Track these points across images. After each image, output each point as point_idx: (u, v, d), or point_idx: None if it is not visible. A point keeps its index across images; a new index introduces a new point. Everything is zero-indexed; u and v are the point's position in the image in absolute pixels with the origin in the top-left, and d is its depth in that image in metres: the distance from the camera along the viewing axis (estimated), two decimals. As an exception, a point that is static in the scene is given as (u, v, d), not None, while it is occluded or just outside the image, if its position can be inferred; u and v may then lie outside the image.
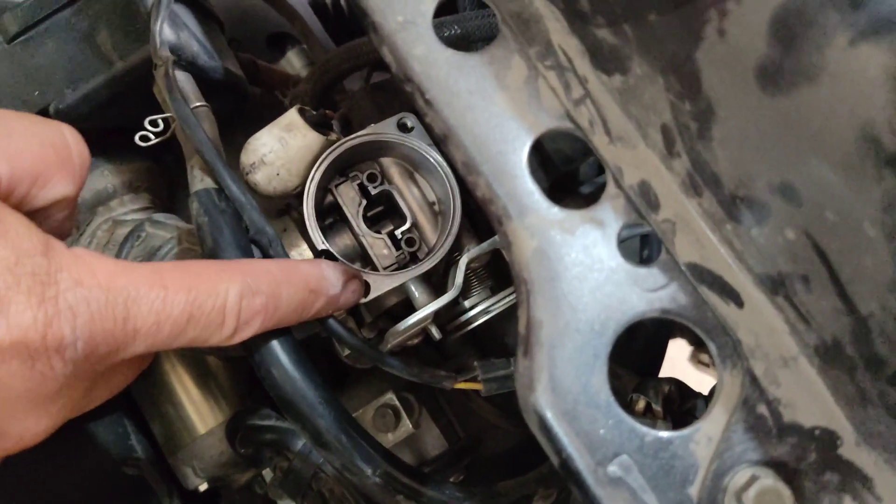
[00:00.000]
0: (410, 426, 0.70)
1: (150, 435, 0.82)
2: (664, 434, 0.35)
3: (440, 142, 0.39)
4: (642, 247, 0.71)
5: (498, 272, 0.68)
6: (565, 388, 0.36)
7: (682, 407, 0.59)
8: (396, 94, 0.70)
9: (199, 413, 0.79)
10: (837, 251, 0.30)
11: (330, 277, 0.52)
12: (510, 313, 0.66)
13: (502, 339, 0.76)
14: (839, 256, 0.30)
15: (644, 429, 0.35)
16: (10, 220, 0.35)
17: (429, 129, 0.39)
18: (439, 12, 0.41)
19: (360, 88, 0.70)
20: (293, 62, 1.01)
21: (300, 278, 0.49)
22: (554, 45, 0.39)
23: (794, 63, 0.27)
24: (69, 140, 0.41)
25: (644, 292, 0.37)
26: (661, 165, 0.38)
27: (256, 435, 0.69)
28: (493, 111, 0.39)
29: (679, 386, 0.59)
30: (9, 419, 0.35)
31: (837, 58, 0.26)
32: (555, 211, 0.38)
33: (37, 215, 0.40)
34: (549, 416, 0.35)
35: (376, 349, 0.58)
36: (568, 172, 0.73)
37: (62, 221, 0.43)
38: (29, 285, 0.33)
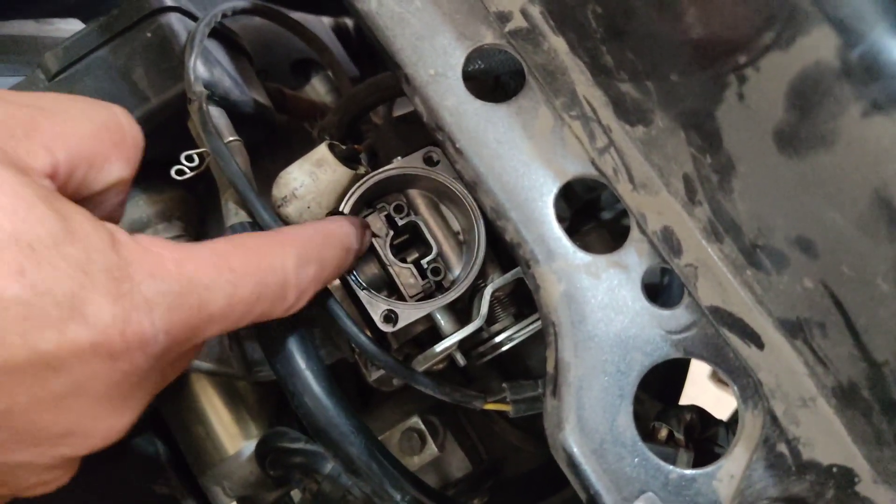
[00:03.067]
0: (436, 449, 0.72)
1: (181, 454, 0.85)
2: (688, 472, 0.37)
3: (470, 188, 0.41)
4: (662, 273, 0.73)
5: (521, 299, 0.70)
6: (593, 428, 0.37)
7: (703, 434, 0.61)
8: (421, 125, 0.72)
9: (229, 434, 0.81)
10: (853, 302, 0.32)
11: (353, 233, 0.53)
12: (533, 337, 0.68)
13: (525, 362, 0.78)
14: (855, 307, 0.32)
15: (669, 467, 0.37)
16: (76, 216, 0.33)
17: (459, 175, 0.41)
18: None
19: (386, 121, 0.73)
20: (318, 88, 1.04)
21: (337, 240, 0.50)
22: (579, 96, 0.41)
23: (811, 129, 0.29)
24: (123, 121, 0.40)
25: (668, 334, 0.39)
26: (682, 212, 0.39)
27: (286, 457, 0.71)
28: (520, 159, 0.41)
29: (700, 413, 0.60)
30: (93, 419, 0.35)
31: (852, 127, 0.28)
32: (581, 255, 0.40)
33: (92, 200, 0.40)
34: (578, 453, 0.37)
35: (410, 369, 0.60)
36: (590, 200, 0.75)
37: (116, 206, 0.43)
38: (103, 282, 0.32)
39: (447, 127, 0.41)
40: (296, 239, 0.45)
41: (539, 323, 0.67)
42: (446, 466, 0.76)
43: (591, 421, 0.37)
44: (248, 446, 0.80)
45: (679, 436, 0.57)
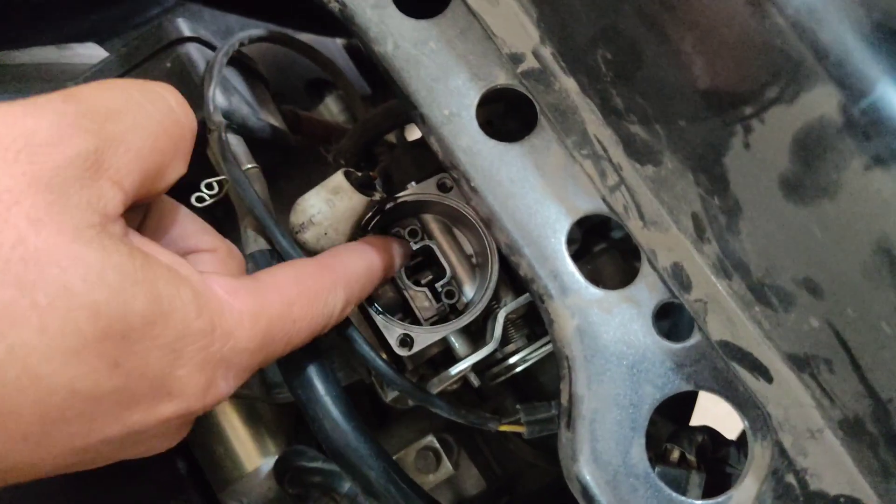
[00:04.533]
0: (451, 468, 0.73)
1: (200, 471, 0.86)
2: (699, 503, 0.38)
3: (484, 224, 0.43)
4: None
5: (533, 320, 0.71)
6: (606, 460, 0.39)
7: (714, 455, 0.62)
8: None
9: (247, 451, 0.83)
10: (858, 343, 0.33)
11: (397, 256, 0.58)
12: (546, 356, 0.70)
13: (538, 380, 0.79)
14: (860, 347, 0.33)
15: (680, 498, 0.38)
16: (161, 283, 0.32)
17: (476, 212, 0.42)
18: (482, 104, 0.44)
19: (400, 145, 0.74)
20: (331, 108, 1.06)
21: (377, 272, 0.54)
22: (590, 135, 0.43)
23: (814, 180, 0.30)
24: (178, 113, 0.37)
25: (679, 367, 0.40)
26: (692, 249, 0.41)
27: (304, 476, 0.72)
28: (533, 197, 0.42)
29: (712, 434, 0.61)
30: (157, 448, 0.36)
31: (854, 179, 0.29)
32: (593, 291, 0.41)
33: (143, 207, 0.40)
34: (592, 485, 0.38)
35: (426, 391, 0.62)
36: (600, 221, 0.76)
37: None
38: (191, 357, 0.32)
39: (462, 166, 0.42)
40: (347, 278, 0.48)
41: (551, 345, 0.68)
42: (461, 484, 0.77)
43: (604, 453, 0.38)
44: (266, 464, 0.82)
45: (691, 457, 0.58)
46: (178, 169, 0.37)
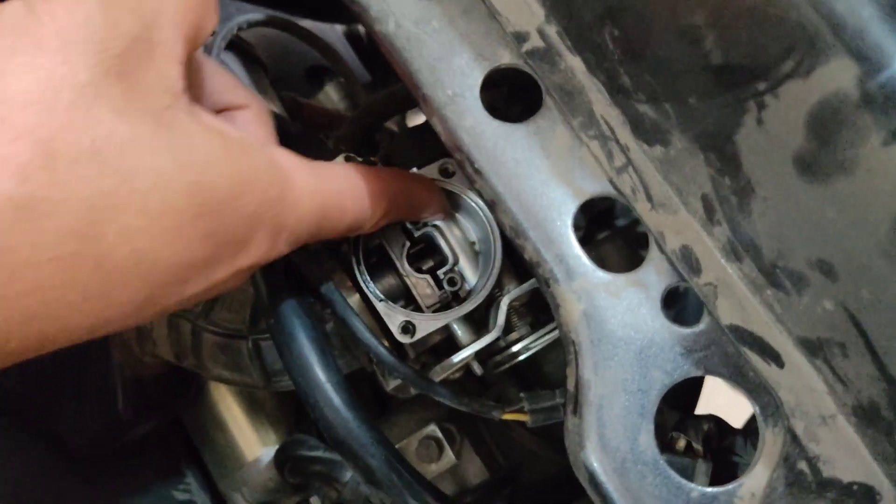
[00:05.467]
0: (453, 457, 0.72)
1: (200, 460, 0.86)
2: (709, 490, 0.37)
3: (489, 206, 0.42)
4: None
5: (537, 307, 0.70)
6: (614, 446, 0.38)
7: (720, 444, 0.61)
8: (436, 136, 0.73)
9: (248, 441, 0.82)
10: (873, 325, 0.32)
11: (438, 202, 0.61)
12: (549, 344, 0.69)
13: (541, 368, 0.78)
14: (875, 330, 0.32)
15: (690, 485, 0.37)
16: (252, 161, 0.36)
17: (480, 195, 0.42)
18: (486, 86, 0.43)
19: (401, 131, 0.73)
20: (331, 95, 1.04)
21: (420, 202, 0.59)
22: (596, 115, 0.42)
23: (831, 156, 0.29)
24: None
25: (688, 352, 0.39)
26: (701, 231, 0.40)
27: (305, 465, 0.72)
28: (539, 179, 0.42)
29: (718, 423, 0.60)
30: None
31: (871, 155, 0.28)
32: (600, 274, 0.40)
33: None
34: (600, 472, 0.37)
35: (429, 379, 0.61)
36: (605, 208, 0.75)
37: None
38: (267, 222, 0.36)
39: (465, 147, 0.42)
40: (392, 193, 0.51)
41: (556, 332, 0.67)
42: (463, 473, 0.76)
43: (612, 439, 0.38)
44: (267, 453, 0.81)
45: (697, 446, 0.58)
46: (212, 21, 0.37)
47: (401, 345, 0.65)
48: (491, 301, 0.65)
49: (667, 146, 0.39)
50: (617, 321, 0.40)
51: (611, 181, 0.41)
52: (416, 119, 1.05)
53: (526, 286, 0.62)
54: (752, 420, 0.69)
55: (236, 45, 0.74)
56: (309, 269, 0.60)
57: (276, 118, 0.77)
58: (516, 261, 0.68)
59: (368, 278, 0.62)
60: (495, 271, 0.63)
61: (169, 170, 0.30)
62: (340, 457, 0.59)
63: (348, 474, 0.69)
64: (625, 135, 0.41)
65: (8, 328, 0.28)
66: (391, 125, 0.92)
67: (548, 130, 0.42)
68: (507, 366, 0.67)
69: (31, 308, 0.28)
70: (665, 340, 0.39)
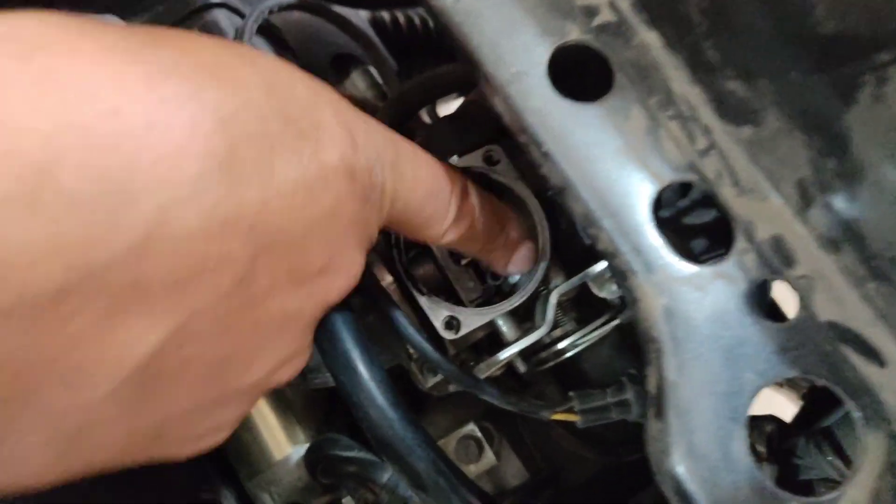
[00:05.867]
0: (493, 458, 0.69)
1: (226, 459, 0.83)
2: (810, 499, 0.34)
3: (558, 193, 0.39)
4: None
5: (583, 303, 0.67)
6: (703, 454, 0.35)
7: (781, 446, 0.58)
8: (475, 122, 0.70)
9: (276, 440, 0.80)
10: None
11: (513, 220, 0.56)
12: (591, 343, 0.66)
13: (579, 367, 0.75)
14: None
15: (787, 495, 0.34)
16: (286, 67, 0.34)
17: (546, 180, 0.39)
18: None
19: (439, 118, 0.70)
20: (357, 84, 1.01)
21: (494, 204, 0.53)
22: (675, 94, 0.38)
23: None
24: None
25: (781, 351, 0.36)
26: (795, 220, 0.36)
27: (339, 466, 0.69)
28: (613, 162, 0.38)
29: (779, 424, 0.57)
30: (343, 249, 0.35)
31: None
32: (684, 266, 0.37)
33: None
34: (689, 483, 0.34)
35: (476, 378, 0.58)
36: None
37: None
38: (329, 101, 0.34)
39: (532, 129, 0.38)
40: (453, 170, 0.47)
41: (603, 329, 0.64)
42: (502, 474, 0.74)
43: (701, 446, 0.35)
44: (297, 452, 0.79)
45: (761, 449, 0.54)
46: None
47: (440, 341, 0.62)
48: (536, 295, 0.62)
49: (758, 126, 0.36)
50: (703, 317, 0.36)
51: (692, 165, 0.38)
52: (446, 109, 1.02)
53: (575, 280, 0.59)
54: (807, 419, 0.66)
55: (266, 30, 0.71)
56: (348, 262, 0.57)
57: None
58: (564, 253, 0.65)
59: (410, 272, 0.59)
60: (543, 265, 0.60)
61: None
62: (379, 458, 0.56)
63: (385, 475, 0.67)
64: (708, 115, 0.38)
65: None
66: (422, 114, 0.89)
67: (622, 111, 0.39)
68: (551, 363, 0.64)
69: None
70: (756, 338, 0.36)
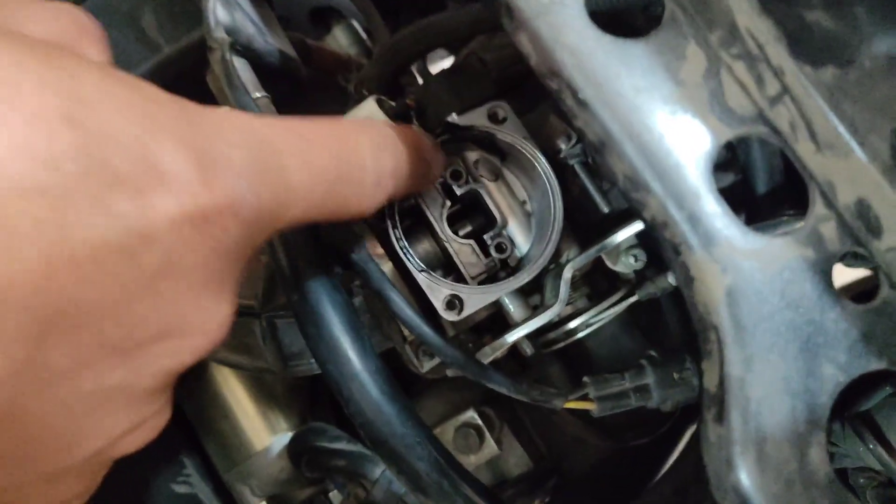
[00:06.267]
0: (495, 447, 0.64)
1: (202, 450, 0.77)
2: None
3: (597, 150, 0.32)
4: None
5: (595, 277, 0.61)
6: (776, 465, 0.29)
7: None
8: (476, 77, 0.63)
9: (255, 429, 0.73)
10: None
11: (429, 146, 0.47)
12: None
13: (587, 347, 0.69)
14: None
15: (878, 516, 0.28)
16: (134, 78, 0.28)
17: (581, 135, 0.32)
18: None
19: (438, 73, 0.63)
20: (340, 39, 0.93)
21: (412, 141, 0.44)
22: (740, 28, 0.32)
23: None
24: (76, 11, 0.33)
25: (867, 339, 0.30)
26: (882, 180, 0.30)
27: (326, 459, 0.63)
28: (665, 112, 0.32)
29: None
30: (192, 307, 0.29)
31: None
32: (751, 238, 0.31)
33: None
34: (758, 500, 0.28)
35: (482, 364, 0.51)
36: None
37: None
38: (173, 126, 0.27)
39: (566, 71, 0.31)
40: (368, 125, 0.40)
41: (618, 307, 0.58)
42: (503, 464, 0.68)
43: (773, 456, 0.29)
44: (278, 441, 0.72)
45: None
46: (97, 55, 0.32)
47: (438, 322, 0.56)
48: (544, 270, 0.56)
49: (845, 67, 0.30)
50: (775, 300, 0.30)
51: (761, 114, 0.31)
52: (438, 66, 0.94)
53: (592, 252, 0.53)
54: (842, 401, 0.60)
55: (238, -26, 0.63)
56: (335, 234, 0.50)
57: (288, 61, 0.66)
58: (576, 221, 0.59)
59: (406, 244, 0.52)
60: (555, 236, 0.53)
61: None
62: (384, 462, 0.50)
63: (378, 470, 0.61)
64: (779, 54, 0.31)
65: None
66: (415, 71, 0.81)
67: (675, 49, 0.32)
68: (561, 344, 0.58)
69: None
70: (838, 324, 0.30)
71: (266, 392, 0.73)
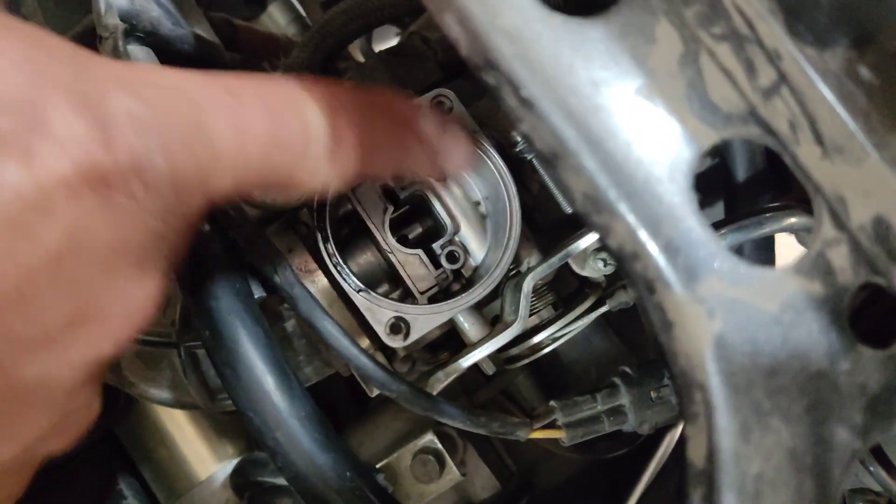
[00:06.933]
0: (457, 473, 0.58)
1: (142, 479, 0.70)
2: None
3: (548, 162, 0.25)
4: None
5: (560, 284, 0.55)
6: (783, 563, 0.23)
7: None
8: (420, 60, 0.55)
9: (199, 456, 0.67)
10: None
11: (421, 112, 0.39)
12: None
13: (559, 358, 0.63)
14: None
15: None
16: (20, 23, 0.25)
17: (528, 141, 0.25)
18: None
19: (372, 55, 0.55)
20: (276, 18, 0.85)
21: (386, 103, 0.37)
22: (725, 1, 0.25)
23: None
24: None
25: (891, 394, 0.24)
26: (907, 191, 0.24)
27: (269, 497, 0.56)
28: (632, 112, 0.25)
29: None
30: (107, 286, 0.26)
31: None
32: (743, 271, 0.24)
33: None
34: None
35: (431, 397, 0.45)
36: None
37: None
38: (64, 82, 0.24)
39: (506, 62, 0.25)
40: (318, 84, 0.33)
41: (587, 318, 0.52)
42: (469, 487, 0.62)
43: (779, 552, 0.22)
44: (223, 470, 0.66)
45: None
46: None
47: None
48: (503, 279, 0.49)
49: (858, 48, 0.23)
50: (775, 349, 0.24)
51: (753, 111, 0.25)
52: (384, 43, 0.86)
53: (555, 261, 0.46)
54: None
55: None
56: (255, 251, 0.42)
57: (205, 46, 0.58)
58: (535, 225, 0.52)
59: (340, 260, 0.45)
60: (513, 242, 0.47)
61: None
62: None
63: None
64: (775, 32, 0.25)
65: None
66: (355, 54, 0.74)
67: (642, 29, 0.25)
68: (526, 361, 0.52)
69: None
70: (852, 377, 0.24)
71: (210, 417, 0.66)
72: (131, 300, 0.28)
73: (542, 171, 0.49)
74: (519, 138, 0.48)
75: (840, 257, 0.25)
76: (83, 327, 0.26)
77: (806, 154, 0.25)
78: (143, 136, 0.25)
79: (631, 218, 0.24)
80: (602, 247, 0.49)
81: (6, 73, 0.23)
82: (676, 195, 0.24)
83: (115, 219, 0.25)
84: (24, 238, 0.23)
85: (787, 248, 0.53)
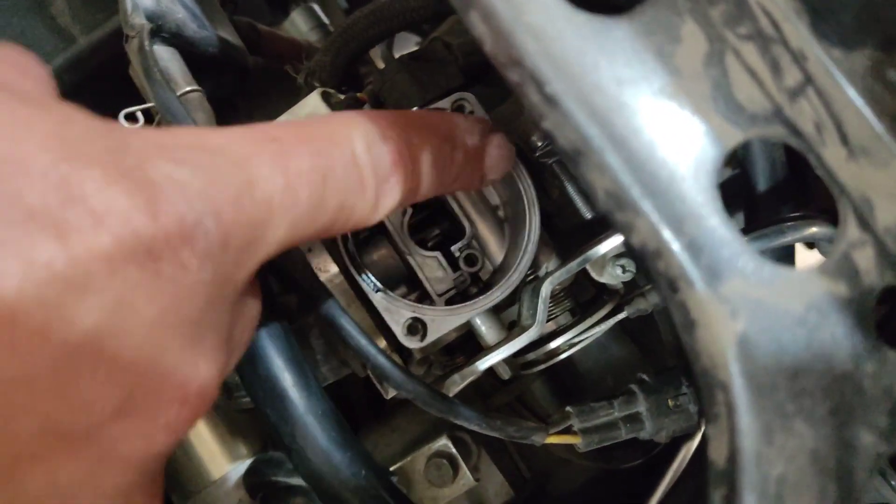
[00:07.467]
0: (471, 478, 0.57)
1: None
2: None
3: (571, 159, 0.25)
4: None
5: (577, 289, 0.55)
6: (805, 567, 0.22)
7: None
8: (441, 65, 0.56)
9: (212, 455, 0.67)
10: None
11: (461, 124, 0.39)
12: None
13: (574, 364, 0.63)
14: None
15: None
16: (53, 101, 0.25)
17: (551, 139, 0.25)
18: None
19: (393, 60, 0.56)
20: (299, 24, 0.86)
21: (424, 123, 0.36)
22: (750, 1, 0.25)
23: None
24: (14, 52, 0.29)
25: (916, 400, 0.23)
26: (935, 194, 0.24)
27: (283, 497, 0.57)
28: (656, 111, 0.25)
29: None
30: (151, 370, 0.24)
31: None
32: (768, 271, 0.24)
33: None
34: None
35: (448, 399, 0.45)
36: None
37: None
38: (100, 156, 0.23)
39: (530, 60, 0.25)
40: (357, 114, 0.33)
41: (605, 324, 0.52)
42: (482, 493, 0.62)
43: (802, 555, 0.22)
44: (236, 470, 0.66)
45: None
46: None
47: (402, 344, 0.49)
48: (521, 283, 0.49)
49: (886, 50, 0.23)
50: (799, 350, 0.24)
51: (778, 111, 0.25)
52: (403, 49, 0.86)
53: (573, 266, 0.46)
54: None
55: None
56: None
57: (230, 50, 0.59)
58: (553, 228, 0.52)
59: (360, 260, 0.46)
60: (532, 247, 0.47)
61: None
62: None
63: (340, 509, 0.54)
64: (800, 33, 0.25)
65: None
66: (375, 60, 0.74)
67: (668, 28, 0.25)
68: (542, 366, 0.52)
69: None
70: (877, 379, 0.24)
71: (223, 414, 0.67)
72: (186, 383, 0.25)
73: (562, 176, 0.49)
74: (539, 142, 0.48)
75: (865, 259, 0.24)
76: (133, 417, 0.23)
77: (831, 155, 0.25)
78: (189, 201, 0.24)
79: (654, 216, 0.24)
80: (621, 253, 0.48)
81: (35, 149, 0.22)
82: (700, 194, 0.24)
83: (163, 293, 0.23)
84: (59, 318, 0.21)
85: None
